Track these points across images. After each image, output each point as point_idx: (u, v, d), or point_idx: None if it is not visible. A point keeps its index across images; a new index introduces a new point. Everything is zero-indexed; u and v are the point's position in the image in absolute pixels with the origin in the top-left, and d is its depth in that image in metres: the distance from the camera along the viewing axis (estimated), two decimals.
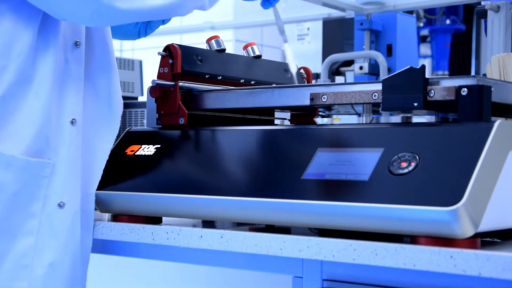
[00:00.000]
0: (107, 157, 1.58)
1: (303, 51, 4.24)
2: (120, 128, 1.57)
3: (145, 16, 1.51)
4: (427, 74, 1.28)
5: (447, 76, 1.96)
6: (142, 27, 1.69)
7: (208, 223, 1.59)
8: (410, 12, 3.97)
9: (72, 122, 1.51)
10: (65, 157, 1.50)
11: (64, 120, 1.50)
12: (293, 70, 1.72)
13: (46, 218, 1.47)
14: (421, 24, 5.76)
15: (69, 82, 1.52)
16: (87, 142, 1.56)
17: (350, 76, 3.75)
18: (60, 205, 1.48)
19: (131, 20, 1.50)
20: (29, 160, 1.45)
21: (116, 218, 1.56)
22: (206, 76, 1.67)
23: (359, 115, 3.20)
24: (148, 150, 1.58)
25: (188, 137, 1.55)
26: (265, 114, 1.77)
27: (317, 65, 3.97)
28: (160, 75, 1.62)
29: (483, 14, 2.47)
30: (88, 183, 1.56)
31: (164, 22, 1.68)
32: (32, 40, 1.46)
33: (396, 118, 2.89)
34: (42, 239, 1.46)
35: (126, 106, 2.55)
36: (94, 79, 1.58)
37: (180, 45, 1.62)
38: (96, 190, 1.56)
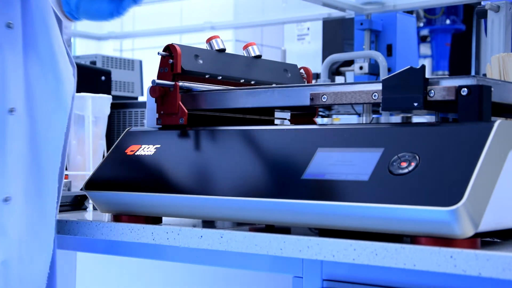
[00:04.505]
0: (61, 143, 1.48)
1: (303, 51, 4.25)
2: (120, 128, 1.56)
3: None
4: (427, 74, 1.28)
5: (447, 76, 1.96)
6: (115, 8, 1.61)
7: (208, 223, 1.59)
8: (410, 12, 3.97)
9: (11, 111, 1.41)
10: (7, 149, 1.40)
11: (2, 110, 1.40)
12: None
13: None
14: (421, 24, 5.77)
15: (4, 69, 1.41)
16: (35, 131, 1.45)
17: (350, 76, 3.76)
18: (6, 200, 1.39)
19: None
20: None
21: (116, 218, 1.56)
22: (206, 76, 1.67)
23: (359, 115, 3.20)
24: (148, 150, 1.58)
25: (188, 137, 1.55)
26: (265, 114, 1.77)
27: (317, 65, 3.98)
28: (160, 75, 1.61)
29: (483, 14, 2.47)
30: (41, 175, 1.46)
31: (136, 2, 1.60)
32: None
33: (396, 118, 2.89)
34: None
35: (126, 106, 2.55)
36: (39, 61, 1.47)
37: (180, 45, 1.62)
38: (96, 190, 1.56)
